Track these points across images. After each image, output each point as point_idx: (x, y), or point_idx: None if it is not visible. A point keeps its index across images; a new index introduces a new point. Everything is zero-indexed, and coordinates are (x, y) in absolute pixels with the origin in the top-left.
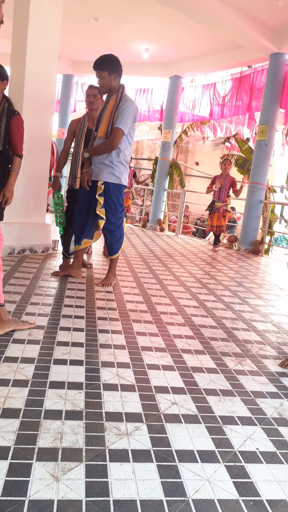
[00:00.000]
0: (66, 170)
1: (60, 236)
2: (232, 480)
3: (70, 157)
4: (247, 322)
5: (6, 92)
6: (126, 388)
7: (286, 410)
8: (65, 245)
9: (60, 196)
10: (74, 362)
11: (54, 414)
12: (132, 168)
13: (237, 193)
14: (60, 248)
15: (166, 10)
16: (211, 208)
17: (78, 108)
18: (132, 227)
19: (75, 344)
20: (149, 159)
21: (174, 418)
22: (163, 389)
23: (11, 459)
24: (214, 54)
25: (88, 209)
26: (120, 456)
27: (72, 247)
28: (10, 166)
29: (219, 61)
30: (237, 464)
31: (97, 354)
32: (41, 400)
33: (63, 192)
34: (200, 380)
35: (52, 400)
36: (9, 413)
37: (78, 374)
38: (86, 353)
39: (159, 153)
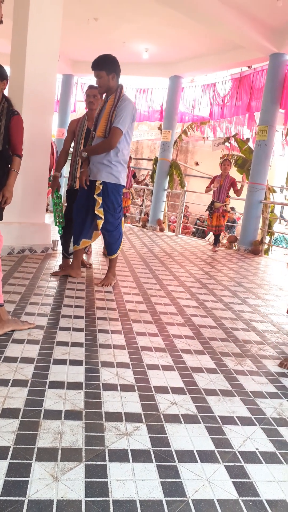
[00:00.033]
0: (66, 170)
1: (60, 236)
2: (232, 480)
3: (69, 157)
4: (247, 322)
5: (6, 92)
6: (126, 388)
7: (286, 410)
8: (65, 245)
9: (59, 196)
10: (74, 362)
11: (54, 414)
12: (132, 169)
13: (238, 192)
14: (59, 248)
15: (166, 10)
16: (211, 208)
17: (78, 108)
18: (132, 227)
19: (74, 344)
20: (149, 159)
21: (173, 418)
22: (162, 389)
23: (10, 459)
24: (214, 54)
25: (87, 209)
26: (119, 456)
27: (71, 247)
28: (9, 166)
29: (219, 61)
30: (236, 464)
31: (97, 354)
32: (40, 400)
33: (63, 192)
34: (200, 380)
35: (52, 400)
36: (9, 413)
37: (77, 374)
38: (85, 353)
39: (159, 153)
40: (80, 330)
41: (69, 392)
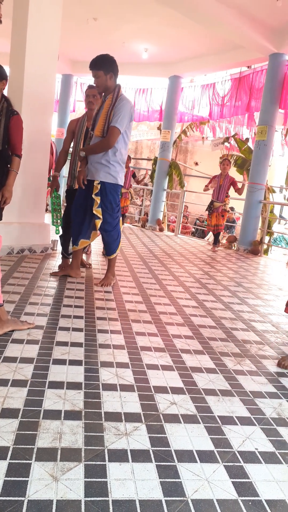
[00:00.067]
0: (65, 170)
1: (59, 236)
2: (231, 480)
3: (69, 157)
4: (246, 322)
5: (5, 92)
6: (125, 388)
7: (285, 410)
8: (64, 245)
9: (57, 196)
10: (73, 362)
11: (53, 414)
12: (131, 169)
13: (239, 191)
14: (59, 248)
15: (166, 10)
16: (210, 208)
17: (77, 108)
18: (131, 227)
19: (74, 344)
20: (148, 159)
21: (173, 418)
22: (162, 389)
23: (10, 459)
24: (214, 54)
25: (85, 209)
26: (119, 456)
27: (71, 247)
28: (9, 166)
29: (218, 61)
30: (236, 464)
31: (96, 354)
32: (40, 400)
33: (62, 192)
34: (199, 380)
35: (51, 400)
36: (8, 413)
37: (77, 374)
38: (85, 353)
39: (159, 153)
40: (80, 330)
41: (69, 392)
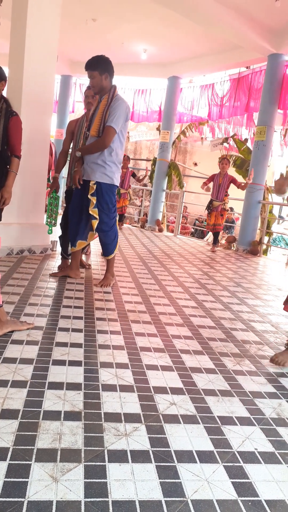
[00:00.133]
0: (64, 171)
1: (59, 237)
2: (231, 481)
3: (68, 158)
4: (246, 323)
5: (4, 93)
6: (125, 388)
7: (285, 410)
8: (64, 245)
9: (56, 197)
10: (73, 363)
11: (53, 415)
12: (130, 169)
13: (242, 187)
14: (58, 248)
15: (165, 11)
16: (209, 207)
17: (77, 108)
18: (131, 228)
19: (73, 345)
20: (148, 160)
21: (172, 419)
22: (161, 390)
23: (10, 460)
24: (212, 55)
25: (81, 210)
26: (119, 456)
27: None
28: (8, 167)
29: (217, 61)
30: (235, 464)
31: (96, 355)
32: (39, 401)
33: (61, 192)
34: (199, 380)
35: (51, 401)
36: (8, 414)
37: (76, 374)
38: (84, 354)
39: (158, 153)
40: (79, 330)
41: (68, 392)
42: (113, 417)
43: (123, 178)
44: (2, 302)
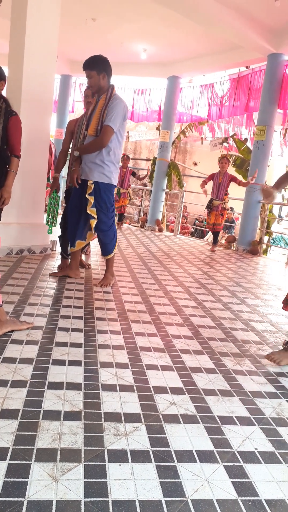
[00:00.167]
0: (64, 171)
1: (58, 237)
2: (231, 480)
3: (68, 158)
4: (246, 322)
5: (4, 93)
6: (125, 388)
7: (285, 410)
8: (64, 245)
9: (56, 197)
10: (73, 363)
11: (53, 415)
12: (129, 168)
13: (243, 184)
14: (58, 248)
15: (164, 11)
16: (209, 206)
17: (76, 108)
18: (131, 228)
19: (73, 345)
20: (147, 160)
21: (172, 419)
22: (161, 390)
23: (9, 460)
24: (212, 55)
25: (79, 209)
26: (119, 456)
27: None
28: (7, 166)
29: (217, 61)
30: (235, 464)
31: (96, 355)
32: (39, 401)
33: (61, 192)
34: (199, 380)
35: (51, 400)
36: (8, 414)
37: (76, 374)
38: (84, 354)
39: (157, 153)
40: (79, 330)
41: (68, 392)
42: (113, 417)
43: (123, 178)
44: (2, 302)
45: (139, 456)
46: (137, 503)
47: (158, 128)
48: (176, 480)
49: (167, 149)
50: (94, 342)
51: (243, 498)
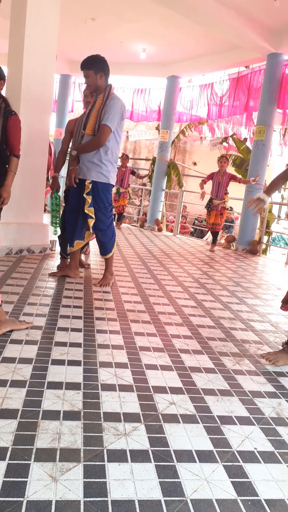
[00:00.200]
0: (63, 170)
1: (58, 236)
2: (230, 480)
3: (67, 157)
4: (245, 322)
5: (3, 92)
6: (124, 388)
7: (284, 410)
8: (63, 245)
9: (58, 197)
10: (72, 363)
11: (52, 415)
12: (129, 168)
13: (244, 181)
14: (57, 248)
15: (164, 11)
16: (209, 206)
17: (76, 108)
18: (130, 227)
19: (73, 345)
20: (147, 159)
21: (172, 418)
22: (161, 389)
23: (9, 460)
24: (212, 54)
25: (78, 209)
26: (118, 456)
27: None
28: (7, 166)
29: (216, 61)
30: (235, 464)
31: (95, 355)
32: (39, 401)
33: (61, 192)
34: (198, 380)
35: (50, 400)
36: (7, 413)
37: (76, 374)
38: (84, 354)
39: (157, 153)
40: (79, 330)
41: (68, 392)
42: (113, 417)
43: (122, 177)
44: (1, 302)
45: (139, 456)
46: (136, 503)
47: (157, 128)
48: (176, 480)
49: (167, 149)
50: (94, 342)
51: (243, 498)
